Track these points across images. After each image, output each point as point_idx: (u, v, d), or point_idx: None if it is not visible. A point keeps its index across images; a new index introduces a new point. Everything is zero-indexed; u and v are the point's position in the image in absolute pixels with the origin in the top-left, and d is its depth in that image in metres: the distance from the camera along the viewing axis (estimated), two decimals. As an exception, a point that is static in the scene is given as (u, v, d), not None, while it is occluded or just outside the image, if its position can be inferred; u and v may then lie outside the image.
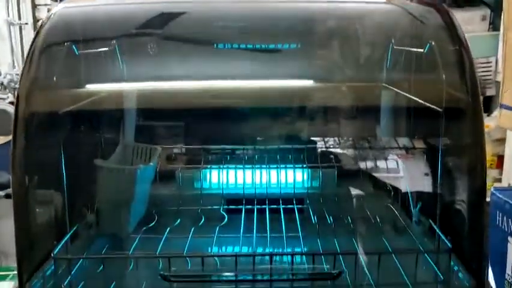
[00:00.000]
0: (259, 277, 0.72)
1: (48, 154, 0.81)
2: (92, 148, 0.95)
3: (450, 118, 0.76)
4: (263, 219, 0.96)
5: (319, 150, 1.07)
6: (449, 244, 0.75)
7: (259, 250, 0.84)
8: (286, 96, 0.96)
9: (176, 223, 0.95)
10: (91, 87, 0.89)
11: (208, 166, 1.06)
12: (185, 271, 0.74)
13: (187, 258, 0.80)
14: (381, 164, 0.96)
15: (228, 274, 0.72)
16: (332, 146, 1.03)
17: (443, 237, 0.77)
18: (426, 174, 0.90)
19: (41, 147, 0.78)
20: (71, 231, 0.80)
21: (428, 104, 0.79)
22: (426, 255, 0.79)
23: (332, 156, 1.06)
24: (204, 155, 1.05)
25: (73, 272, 0.77)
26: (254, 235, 0.88)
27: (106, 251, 0.85)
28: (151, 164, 0.93)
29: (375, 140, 1.00)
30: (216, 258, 0.79)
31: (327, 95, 0.96)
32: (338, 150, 1.04)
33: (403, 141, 0.96)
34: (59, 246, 0.75)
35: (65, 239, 0.78)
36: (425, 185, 0.87)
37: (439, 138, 0.80)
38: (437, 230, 0.79)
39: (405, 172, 0.95)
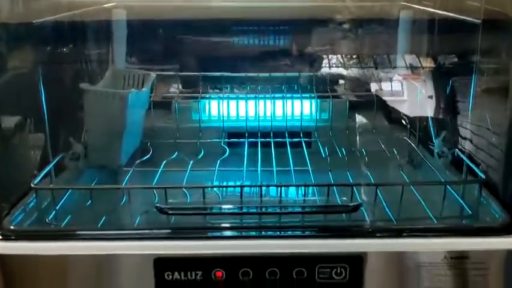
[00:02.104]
0: (266, 210, 0.64)
1: (25, 76, 0.71)
2: (77, 72, 0.85)
3: (487, 31, 0.66)
4: (268, 153, 0.87)
5: (327, 74, 0.97)
6: (481, 174, 0.67)
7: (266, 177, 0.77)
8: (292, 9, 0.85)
9: (173, 156, 0.86)
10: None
11: (207, 96, 0.96)
12: (184, 203, 0.67)
13: (186, 191, 0.73)
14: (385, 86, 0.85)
15: (232, 206, 0.64)
16: (335, 65, 0.92)
17: (473, 166, 0.68)
18: (430, 97, 0.81)
19: (15, 67, 0.68)
20: (55, 161, 0.71)
21: (462, 17, 0.68)
22: (450, 188, 0.71)
23: (342, 83, 0.97)
24: (202, 83, 0.96)
25: (58, 207, 0.69)
26: (259, 168, 0.80)
27: (95, 184, 0.77)
28: (144, 89, 0.84)
29: (382, 59, 0.89)
30: (218, 190, 0.72)
31: (334, 9, 0.84)
32: (349, 76, 0.94)
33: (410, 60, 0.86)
34: (40, 176, 0.67)
35: (48, 168, 0.70)
36: (442, 110, 0.78)
37: (466, 55, 0.70)
38: (465, 160, 0.71)
39: (410, 95, 0.85)
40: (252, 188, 0.76)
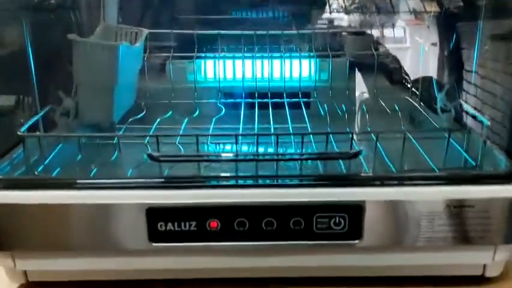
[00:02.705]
0: (263, 157, 0.62)
1: (8, 25, 0.68)
2: (67, 27, 0.82)
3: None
4: (266, 114, 0.85)
5: (327, 33, 0.93)
6: (485, 121, 0.64)
7: (263, 140, 0.74)
8: None
9: (168, 115, 0.84)
10: None
11: (203, 55, 0.94)
12: (177, 152, 0.64)
13: (180, 146, 0.70)
14: (388, 32, 0.82)
15: (227, 154, 0.61)
16: (335, 10, 0.88)
17: (477, 114, 0.66)
18: (434, 44, 0.77)
19: None
20: (43, 111, 0.69)
21: None
22: (453, 142, 0.69)
23: (342, 42, 0.94)
24: (197, 43, 0.93)
25: (47, 162, 0.67)
26: (256, 126, 0.78)
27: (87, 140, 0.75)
28: (137, 45, 0.81)
29: (384, 3, 0.86)
30: (213, 147, 0.69)
31: None
32: (349, 35, 0.91)
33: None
34: (28, 124, 0.64)
35: (36, 118, 0.67)
36: (445, 59, 0.75)
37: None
38: (469, 108, 0.68)
39: (412, 42, 0.81)
40: (248, 144, 0.74)
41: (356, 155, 0.59)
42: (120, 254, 0.62)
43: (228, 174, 0.60)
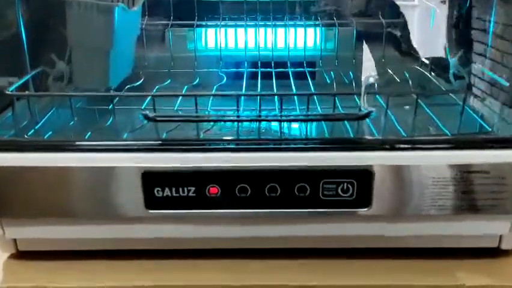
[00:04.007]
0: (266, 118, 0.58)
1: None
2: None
3: None
4: (269, 85, 0.81)
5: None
6: (504, 82, 0.60)
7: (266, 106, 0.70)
8: None
9: (166, 83, 0.80)
10: None
11: (204, 23, 0.90)
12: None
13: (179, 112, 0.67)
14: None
15: (229, 115, 0.58)
16: None
17: (494, 76, 0.62)
18: (443, 2, 0.73)
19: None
20: (34, 72, 0.65)
21: None
22: (468, 109, 0.65)
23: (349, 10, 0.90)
24: (198, 9, 0.89)
25: (37, 126, 0.63)
26: (259, 91, 0.74)
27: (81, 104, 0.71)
28: (135, 8, 0.77)
29: None
30: (214, 109, 0.65)
31: None
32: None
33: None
34: (17, 84, 0.61)
35: (26, 78, 0.63)
36: (456, 20, 0.70)
37: None
38: (485, 71, 0.63)
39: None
40: (251, 111, 0.70)
41: (366, 116, 0.55)
42: (115, 222, 0.58)
43: (229, 132, 0.57)
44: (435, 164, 0.55)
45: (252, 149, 0.56)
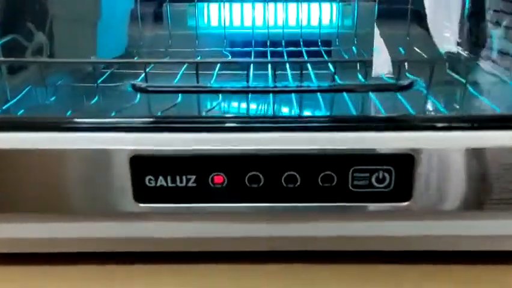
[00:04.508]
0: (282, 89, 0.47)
1: None
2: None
3: None
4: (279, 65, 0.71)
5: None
6: None
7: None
8: None
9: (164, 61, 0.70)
10: None
11: (206, -4, 0.80)
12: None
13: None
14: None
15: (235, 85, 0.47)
16: None
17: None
18: None
19: None
20: (4, 40, 0.55)
21: None
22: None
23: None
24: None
25: (8, 105, 0.53)
26: (269, 72, 0.64)
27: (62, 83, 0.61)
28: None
29: None
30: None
31: None
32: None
33: None
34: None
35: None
36: None
37: None
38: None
39: None
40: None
41: (410, 85, 0.44)
42: (98, 218, 0.48)
43: (237, 109, 0.46)
44: (498, 145, 0.44)
45: (266, 128, 0.45)
